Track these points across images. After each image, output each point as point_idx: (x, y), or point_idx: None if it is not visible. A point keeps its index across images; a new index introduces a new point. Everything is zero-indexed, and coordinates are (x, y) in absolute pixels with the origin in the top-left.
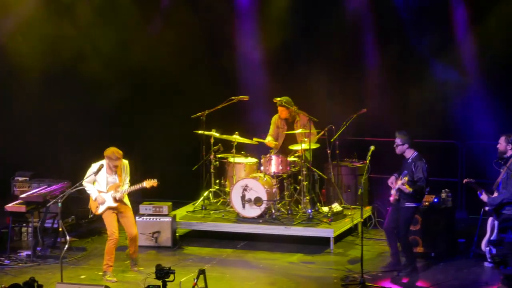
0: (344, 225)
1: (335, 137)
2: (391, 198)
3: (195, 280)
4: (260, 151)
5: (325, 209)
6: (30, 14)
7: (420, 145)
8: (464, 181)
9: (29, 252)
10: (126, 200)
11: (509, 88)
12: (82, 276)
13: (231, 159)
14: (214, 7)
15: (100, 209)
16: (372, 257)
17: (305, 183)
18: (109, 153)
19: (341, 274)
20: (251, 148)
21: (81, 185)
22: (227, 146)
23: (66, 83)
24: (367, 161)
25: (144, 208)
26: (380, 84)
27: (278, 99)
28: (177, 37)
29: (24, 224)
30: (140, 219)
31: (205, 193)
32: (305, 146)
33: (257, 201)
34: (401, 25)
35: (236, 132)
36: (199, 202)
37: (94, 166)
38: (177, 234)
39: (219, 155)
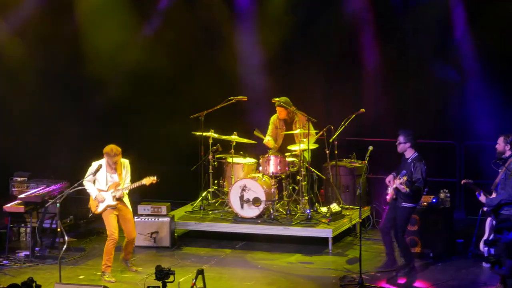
0: (343, 225)
1: (333, 137)
2: (388, 197)
3: (194, 280)
4: (259, 151)
5: (324, 209)
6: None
7: (418, 145)
8: (462, 182)
9: (27, 253)
10: (127, 201)
11: (508, 88)
12: (81, 276)
13: (229, 160)
14: (213, 7)
15: (100, 208)
16: (370, 257)
17: (303, 183)
18: (107, 150)
19: (339, 274)
20: (249, 148)
21: (80, 185)
22: (226, 147)
23: (64, 83)
24: (366, 162)
25: (142, 208)
26: (379, 84)
27: (277, 99)
28: (175, 37)
29: (23, 225)
30: (139, 219)
31: (204, 194)
32: (303, 146)
33: (256, 201)
34: (399, 25)
35: (235, 133)
36: (197, 202)
37: (95, 165)
38: (176, 234)
39: (217, 156)
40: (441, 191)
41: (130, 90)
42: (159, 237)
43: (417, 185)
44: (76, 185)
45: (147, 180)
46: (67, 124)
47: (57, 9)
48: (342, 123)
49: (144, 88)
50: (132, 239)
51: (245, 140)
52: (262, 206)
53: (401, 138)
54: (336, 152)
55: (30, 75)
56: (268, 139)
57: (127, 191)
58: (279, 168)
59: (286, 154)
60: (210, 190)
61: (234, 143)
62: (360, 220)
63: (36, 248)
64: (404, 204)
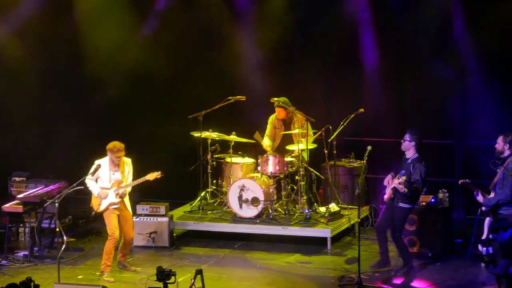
0: (341, 225)
1: (332, 137)
2: (385, 196)
3: (192, 280)
4: (258, 151)
5: (322, 209)
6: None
7: (421, 146)
8: (460, 181)
9: (26, 252)
10: (127, 203)
11: (507, 88)
12: (80, 276)
13: (228, 159)
14: (211, 7)
15: (103, 206)
16: (369, 257)
17: (302, 183)
18: (110, 146)
19: (338, 274)
20: (248, 148)
21: (80, 184)
22: (224, 146)
23: (63, 83)
24: (364, 161)
25: (141, 208)
26: (378, 84)
27: (276, 99)
28: (174, 37)
29: (21, 225)
30: (137, 219)
31: (202, 193)
32: (302, 146)
33: (254, 201)
34: (399, 25)
35: (233, 132)
36: (196, 202)
37: (98, 162)
38: (174, 234)
39: (216, 155)
40: (440, 191)
41: (129, 90)
42: (158, 237)
43: (415, 186)
44: (75, 184)
45: (151, 176)
46: (65, 124)
47: (56, 9)
48: (341, 123)
49: (143, 88)
50: (130, 239)
51: (243, 140)
52: (260, 206)
53: (407, 136)
54: (335, 152)
55: (29, 75)
56: (266, 144)
57: (129, 189)
58: (277, 168)
59: (286, 156)
60: (209, 190)
61: (233, 143)
62: (359, 220)
63: (35, 248)
64: (401, 205)
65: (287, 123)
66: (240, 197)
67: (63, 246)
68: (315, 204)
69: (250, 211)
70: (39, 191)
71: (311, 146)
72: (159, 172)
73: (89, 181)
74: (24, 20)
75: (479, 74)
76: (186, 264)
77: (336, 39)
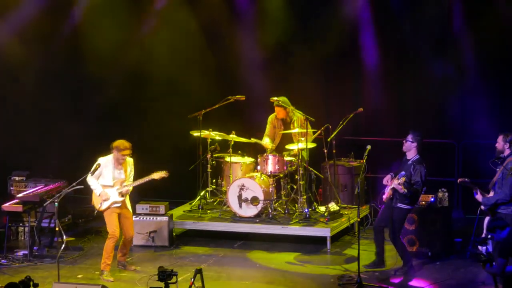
0: (341, 224)
1: (331, 136)
2: (384, 196)
3: (192, 279)
4: (257, 150)
5: (322, 208)
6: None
7: (422, 148)
8: (459, 180)
9: (25, 252)
10: (128, 202)
11: (506, 87)
12: (79, 276)
13: (227, 159)
14: (212, 7)
15: (105, 205)
16: (368, 256)
17: (301, 182)
18: (117, 144)
19: (338, 273)
20: (248, 148)
21: (79, 184)
22: (224, 146)
23: (62, 82)
24: (364, 161)
25: (141, 207)
26: (377, 83)
27: (275, 98)
28: (174, 36)
29: (21, 224)
30: (137, 218)
31: (202, 193)
32: (301, 145)
33: (254, 200)
34: (398, 23)
35: (233, 132)
36: (195, 201)
37: (101, 160)
38: (174, 234)
39: (215, 155)
40: (440, 190)
41: (129, 89)
42: (158, 236)
43: (415, 187)
44: (74, 184)
45: (157, 175)
46: (65, 123)
47: (56, 9)
48: (340, 122)
49: (143, 87)
50: (130, 237)
51: (243, 139)
52: (260, 205)
53: (409, 137)
54: (334, 151)
55: (29, 74)
56: (266, 141)
57: (130, 188)
58: (277, 167)
59: (284, 153)
60: (209, 189)
61: (232, 142)
62: (359, 219)
63: (35, 248)
64: (400, 205)
65: (286, 123)
66: (239, 197)
67: (63, 246)
68: (315, 204)
69: (249, 211)
70: (38, 191)
71: (311, 145)
72: (165, 172)
73: (90, 179)
74: (24, 19)
75: (479, 74)
76: (186, 264)
77: (336, 38)
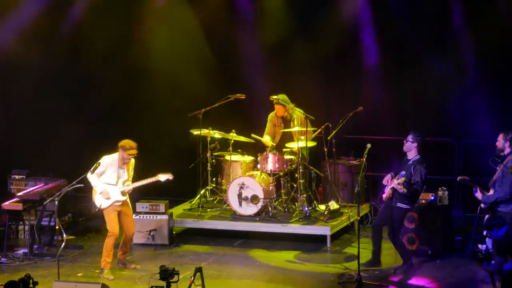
0: (341, 223)
1: (331, 135)
2: (384, 195)
3: (192, 278)
4: (257, 149)
5: (322, 207)
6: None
7: (423, 148)
8: (458, 178)
9: (25, 250)
10: (128, 200)
11: (506, 86)
12: (79, 274)
13: (227, 157)
14: (212, 4)
15: (107, 203)
16: (368, 255)
17: (301, 181)
18: (124, 144)
19: (338, 271)
20: (247, 146)
21: (79, 182)
22: (224, 144)
23: (62, 81)
24: (364, 159)
25: (141, 206)
26: (377, 82)
27: (275, 97)
28: (173, 35)
29: (21, 222)
30: (137, 217)
31: (202, 191)
32: (301, 144)
33: (254, 199)
34: (398, 23)
35: (233, 130)
36: (195, 200)
37: (107, 158)
38: (174, 232)
39: (215, 153)
40: (440, 188)
41: (128, 88)
42: (158, 234)
43: (415, 187)
44: (74, 182)
45: (163, 176)
46: (65, 121)
47: (56, 7)
48: (340, 120)
49: (143, 86)
50: (131, 234)
51: (243, 138)
52: (260, 204)
53: (410, 137)
54: (334, 149)
55: (29, 73)
56: (266, 139)
57: (131, 188)
58: (277, 165)
59: (284, 151)
60: (208, 188)
61: (232, 141)
62: (359, 218)
63: (35, 246)
64: (400, 205)
65: (286, 121)
66: (239, 195)
67: (63, 244)
68: (315, 202)
69: (249, 209)
70: (38, 189)
71: (311, 144)
72: (171, 174)
73: (91, 177)
74: (24, 18)
75: (479, 73)
76: (186, 262)
77: (336, 37)
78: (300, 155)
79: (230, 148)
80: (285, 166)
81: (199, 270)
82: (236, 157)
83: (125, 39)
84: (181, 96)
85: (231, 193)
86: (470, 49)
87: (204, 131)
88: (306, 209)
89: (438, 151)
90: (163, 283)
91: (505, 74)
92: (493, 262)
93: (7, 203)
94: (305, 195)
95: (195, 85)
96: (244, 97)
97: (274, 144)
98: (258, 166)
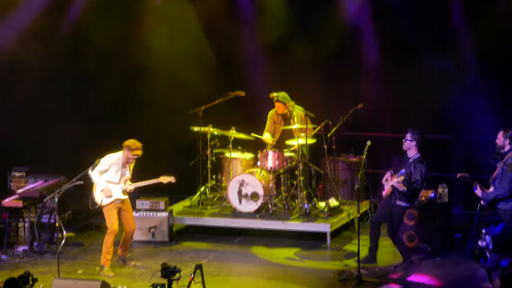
0: (341, 220)
1: (331, 132)
2: (384, 192)
3: (192, 275)
4: (257, 146)
5: (322, 204)
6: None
7: (423, 145)
8: (458, 175)
9: (26, 247)
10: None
11: (506, 83)
12: (79, 271)
13: (227, 154)
14: (211, 3)
15: (108, 200)
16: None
17: (301, 178)
18: (129, 144)
19: (337, 268)
20: (247, 143)
21: (79, 179)
22: (224, 142)
23: (62, 79)
24: (364, 156)
25: (141, 203)
26: (377, 79)
27: (275, 94)
28: (173, 32)
29: (21, 219)
30: (137, 214)
31: (202, 188)
32: (301, 141)
33: (254, 196)
34: (398, 20)
35: (233, 127)
36: (195, 197)
37: (111, 157)
38: (174, 229)
39: (215, 150)
40: (440, 185)
41: (129, 85)
42: (158, 231)
43: (415, 186)
44: (74, 179)
45: (165, 179)
46: (65, 119)
47: (56, 7)
48: (340, 118)
49: (143, 83)
50: (132, 231)
51: (243, 135)
52: (260, 201)
53: (408, 136)
54: (334, 147)
55: (29, 70)
56: (266, 136)
57: (133, 188)
58: (277, 163)
59: (284, 149)
60: (208, 185)
61: (232, 138)
62: (358, 215)
63: (35, 243)
64: (399, 203)
65: (286, 118)
66: (239, 192)
67: (63, 241)
68: (315, 199)
69: (249, 206)
70: (38, 186)
71: (311, 141)
72: (173, 177)
73: (93, 174)
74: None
75: (478, 71)
76: (186, 259)
77: (336, 36)
78: (300, 153)
79: (230, 145)
80: (285, 163)
81: (199, 267)
82: (236, 154)
83: (125, 38)
84: (181, 94)
85: (231, 190)
86: (470, 49)
87: (204, 128)
88: (306, 206)
89: (438, 148)
90: (165, 281)
91: (505, 74)
92: (489, 259)
93: (7, 200)
94: (305, 192)
95: (195, 83)
96: (243, 94)
97: (274, 142)
98: (258, 163)
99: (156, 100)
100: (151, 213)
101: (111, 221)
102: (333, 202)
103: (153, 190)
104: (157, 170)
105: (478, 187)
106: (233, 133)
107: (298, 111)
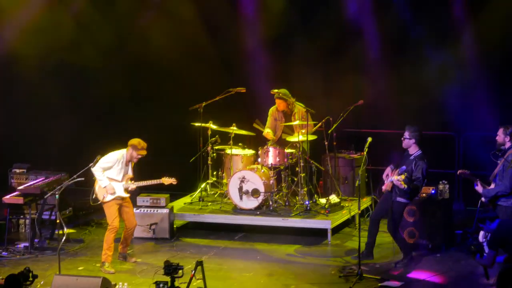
0: (342, 216)
1: (332, 128)
2: (383, 187)
3: (193, 271)
4: (258, 143)
5: (323, 200)
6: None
7: (423, 141)
8: (458, 172)
9: (26, 244)
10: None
11: (507, 79)
12: (80, 268)
13: (228, 151)
14: None
15: (109, 197)
16: None
17: (302, 174)
18: (134, 143)
19: (338, 265)
20: (248, 140)
21: (80, 176)
22: (225, 138)
23: (63, 75)
24: (365, 153)
25: (141, 199)
26: (377, 75)
27: (276, 91)
28: (175, 27)
29: (22, 216)
30: (138, 210)
31: (203, 185)
32: (302, 137)
33: (255, 192)
34: (399, 16)
35: (234, 124)
36: (196, 193)
37: (116, 154)
38: (175, 226)
39: (216, 147)
40: (440, 182)
41: (129, 81)
42: (158, 228)
43: (415, 183)
44: (75, 176)
45: (166, 180)
46: (66, 115)
47: (56, 2)
48: (341, 114)
49: (143, 79)
50: (133, 227)
51: (244, 132)
52: (261, 198)
53: (406, 134)
54: (335, 143)
55: (30, 66)
56: (267, 131)
57: (135, 187)
58: (278, 159)
59: (287, 148)
60: (209, 181)
61: (233, 135)
62: (359, 212)
63: (35, 240)
64: (400, 199)
65: (287, 115)
66: (240, 189)
67: (64, 238)
68: (315, 196)
69: (250, 203)
70: (39, 183)
71: (312, 137)
72: (174, 179)
73: (96, 170)
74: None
75: (479, 66)
76: (187, 256)
77: (337, 31)
78: (301, 149)
79: (231, 141)
80: (285, 159)
81: (200, 263)
82: (236, 150)
83: (126, 33)
84: (182, 90)
85: (232, 187)
86: (471, 41)
87: (205, 125)
88: (307, 202)
89: (438, 144)
90: (167, 278)
91: (506, 67)
92: (485, 255)
93: (8, 196)
94: (305, 189)
95: (196, 79)
96: (244, 91)
97: (276, 138)
98: (259, 160)
99: (157, 96)
100: (152, 210)
101: (112, 218)
102: (333, 198)
103: (153, 187)
104: (157, 167)
105: (479, 184)
106: (234, 130)
107: (299, 107)
